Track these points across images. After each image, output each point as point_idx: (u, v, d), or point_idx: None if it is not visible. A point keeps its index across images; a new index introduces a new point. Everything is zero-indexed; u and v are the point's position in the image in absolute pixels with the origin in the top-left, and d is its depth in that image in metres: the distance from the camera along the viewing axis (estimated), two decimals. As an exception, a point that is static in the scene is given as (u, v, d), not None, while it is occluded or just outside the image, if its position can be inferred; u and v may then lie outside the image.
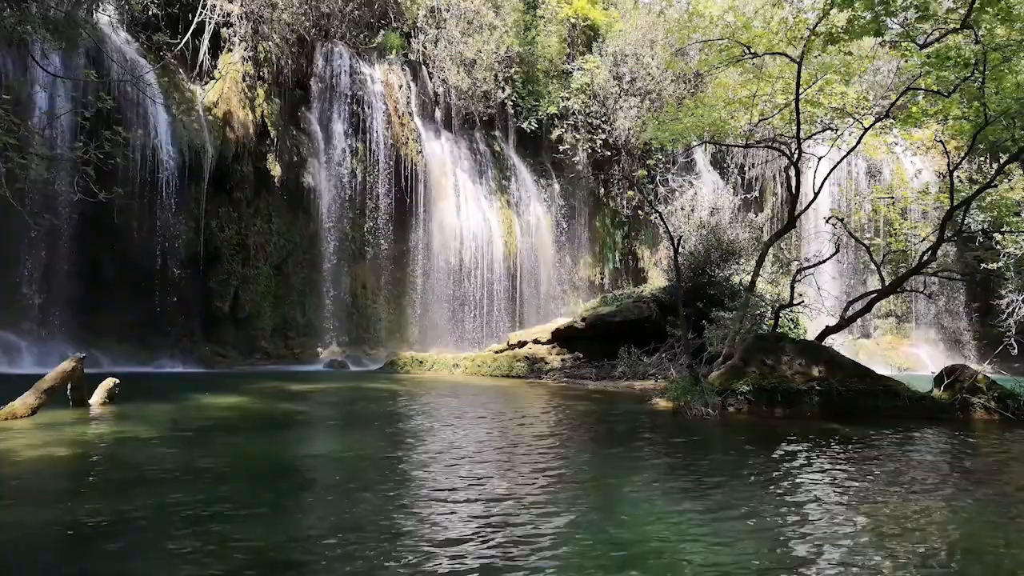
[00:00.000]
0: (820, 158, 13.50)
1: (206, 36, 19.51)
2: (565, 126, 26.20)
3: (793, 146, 12.79)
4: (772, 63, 13.52)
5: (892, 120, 13.39)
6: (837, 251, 13.96)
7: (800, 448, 7.11)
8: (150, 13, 18.72)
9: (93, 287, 17.11)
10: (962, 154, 13.16)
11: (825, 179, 12.95)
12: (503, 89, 25.30)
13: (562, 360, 17.09)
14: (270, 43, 20.59)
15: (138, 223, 17.42)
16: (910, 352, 26.63)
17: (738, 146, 20.19)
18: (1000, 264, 19.58)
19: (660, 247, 27.30)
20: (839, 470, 6.14)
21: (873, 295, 12.94)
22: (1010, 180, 17.06)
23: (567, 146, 26.18)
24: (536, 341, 18.26)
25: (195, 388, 11.96)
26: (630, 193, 27.23)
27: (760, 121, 14.18)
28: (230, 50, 19.98)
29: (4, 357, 15.21)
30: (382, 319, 22.69)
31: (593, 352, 16.85)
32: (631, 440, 7.91)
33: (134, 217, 17.24)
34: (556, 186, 26.89)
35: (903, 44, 12.60)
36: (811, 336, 13.42)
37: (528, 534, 3.97)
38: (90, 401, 8.97)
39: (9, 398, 7.88)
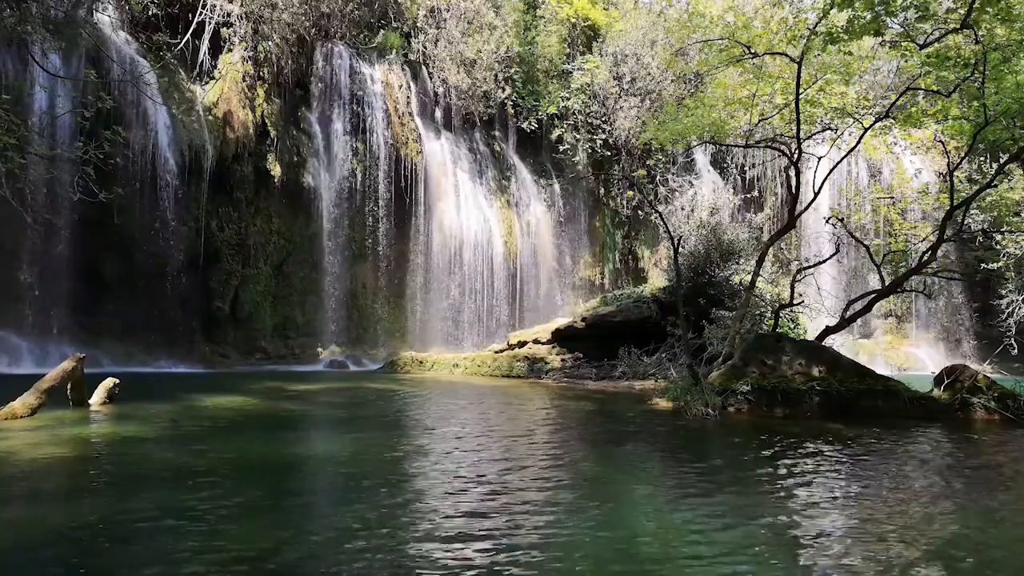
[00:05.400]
0: (820, 158, 13.50)
1: (206, 36, 19.51)
2: (565, 126, 26.20)
3: (793, 146, 12.79)
4: (772, 63, 13.51)
5: (892, 120, 13.39)
6: (837, 251, 13.96)
7: (801, 449, 7.11)
8: (150, 13, 18.72)
9: (93, 287, 17.11)
10: (962, 154, 13.16)
11: (825, 179, 12.94)
12: (503, 89, 25.29)
13: (562, 360, 17.09)
14: (270, 43, 20.58)
15: (138, 223, 17.40)
16: (910, 352, 26.63)
17: (738, 146, 20.19)
18: (1000, 264, 19.59)
19: (660, 247, 27.30)
20: (840, 471, 6.14)
21: (873, 295, 12.94)
22: (1010, 180, 17.08)
23: (567, 146, 26.18)
24: (536, 341, 18.26)
25: (195, 388, 11.96)
26: (630, 193, 27.22)
27: (760, 121, 14.18)
28: (230, 50, 19.98)
29: (4, 357, 15.21)
30: (382, 319, 22.69)
31: (593, 352, 16.85)
32: (631, 440, 7.90)
33: (134, 217, 17.23)
34: (556, 186, 26.88)
35: (903, 44, 12.60)
36: (811, 336, 13.42)
37: (528, 535, 3.97)
38: (90, 401, 8.97)
39: (9, 398, 7.88)
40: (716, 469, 6.29)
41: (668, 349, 15.77)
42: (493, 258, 24.08)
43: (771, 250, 15.07)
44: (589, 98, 26.43)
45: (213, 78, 19.74)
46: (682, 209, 22.23)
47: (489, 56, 24.53)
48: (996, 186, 13.64)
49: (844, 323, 12.28)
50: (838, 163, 13.59)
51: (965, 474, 6.17)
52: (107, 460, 6.04)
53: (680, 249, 13.93)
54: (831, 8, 10.70)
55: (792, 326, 15.96)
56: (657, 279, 22.65)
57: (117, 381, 9.40)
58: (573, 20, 27.14)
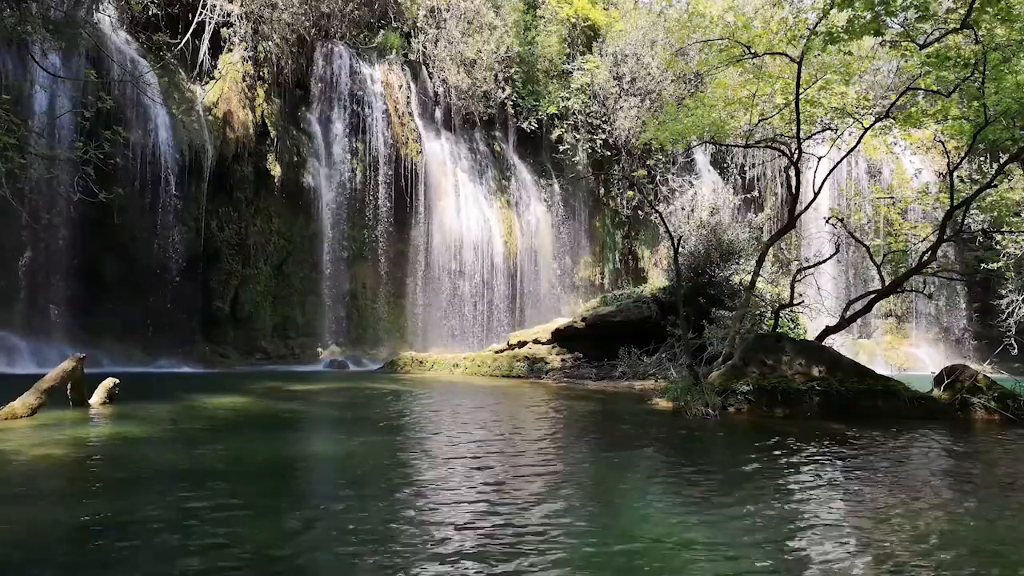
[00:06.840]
0: (820, 158, 13.50)
1: (206, 36, 19.51)
2: (565, 126, 26.18)
3: (793, 146, 12.79)
4: (772, 63, 13.52)
5: (892, 120, 13.39)
6: (837, 251, 13.97)
7: (801, 449, 7.11)
8: (150, 13, 18.71)
9: (93, 287, 17.10)
10: (962, 154, 13.16)
11: (825, 179, 12.94)
12: (503, 89, 25.28)
13: (562, 360, 17.08)
14: (270, 43, 20.58)
15: (138, 223, 17.39)
16: (910, 352, 26.63)
17: (738, 146, 20.19)
18: (1000, 264, 19.61)
19: (660, 247, 27.29)
20: (841, 471, 6.14)
21: (873, 295, 12.94)
22: (1010, 180, 17.10)
23: (567, 146, 26.17)
24: (536, 341, 18.25)
25: (195, 388, 11.96)
26: (630, 193, 27.21)
27: (760, 121, 14.18)
28: (230, 50, 19.97)
29: (4, 357, 15.21)
30: (382, 319, 22.69)
31: (593, 352, 16.84)
32: (632, 440, 7.91)
33: (134, 217, 17.23)
34: (556, 186, 26.88)
35: (903, 44, 12.61)
36: (811, 336, 13.42)
37: (530, 536, 3.97)
38: (90, 401, 8.96)
39: (9, 398, 7.87)
40: (716, 470, 6.29)
41: (668, 349, 15.77)
42: (493, 258, 24.07)
43: (771, 250, 15.07)
44: (589, 98, 26.42)
45: (213, 78, 19.74)
46: (682, 209, 22.21)
47: (489, 56, 24.52)
48: (996, 186, 13.65)
49: (844, 323, 12.28)
50: (838, 163, 13.59)
51: (965, 474, 6.17)
52: (107, 460, 6.04)
53: (680, 249, 13.93)
54: (831, 8, 10.70)
55: (792, 326, 15.96)
56: (657, 279, 22.65)
57: (117, 381, 9.40)
58: (573, 20, 27.13)
